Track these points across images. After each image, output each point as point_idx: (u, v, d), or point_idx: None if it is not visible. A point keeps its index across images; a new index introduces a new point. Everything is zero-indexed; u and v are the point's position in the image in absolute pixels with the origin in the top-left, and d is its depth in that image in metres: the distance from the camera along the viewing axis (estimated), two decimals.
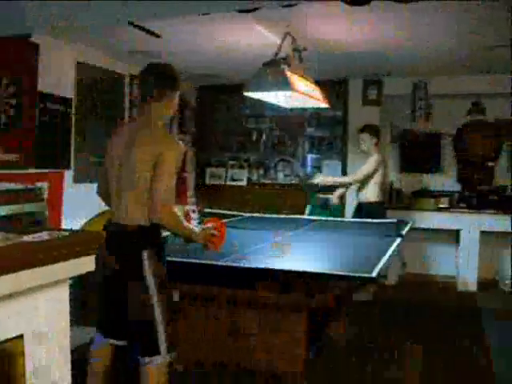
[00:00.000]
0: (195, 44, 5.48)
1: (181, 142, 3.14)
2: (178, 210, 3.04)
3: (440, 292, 6.97)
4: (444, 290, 6.54)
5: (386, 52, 5.77)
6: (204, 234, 3.30)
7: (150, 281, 2.97)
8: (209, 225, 3.40)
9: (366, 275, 3.14)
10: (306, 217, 5.99)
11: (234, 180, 8.15)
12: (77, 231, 2.18)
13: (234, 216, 5.69)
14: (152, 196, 2.94)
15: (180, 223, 3.08)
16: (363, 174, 6.28)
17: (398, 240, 4.44)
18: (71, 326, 1.99)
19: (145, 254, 2.97)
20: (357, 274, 3.20)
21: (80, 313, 4.75)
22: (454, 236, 7.37)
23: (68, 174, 5.56)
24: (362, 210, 6.32)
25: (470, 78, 6.97)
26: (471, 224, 7.02)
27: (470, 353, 4.73)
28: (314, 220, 5.75)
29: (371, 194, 6.30)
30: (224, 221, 3.82)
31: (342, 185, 6.52)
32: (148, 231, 3.02)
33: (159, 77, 3.20)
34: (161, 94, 3.16)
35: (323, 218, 5.94)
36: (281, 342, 3.49)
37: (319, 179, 6.42)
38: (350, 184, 6.50)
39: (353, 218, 6.40)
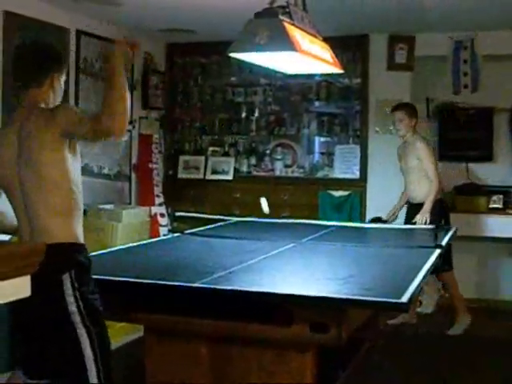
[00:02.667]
0: None
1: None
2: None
3: (497, 323, 6.93)
4: (503, 319, 6.49)
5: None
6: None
7: (74, 311, 3.07)
8: None
9: (393, 301, 3.11)
10: (315, 222, 5.97)
11: (216, 173, 8.13)
12: (5, 242, 2.15)
13: (216, 221, 5.67)
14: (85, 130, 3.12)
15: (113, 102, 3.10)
16: (435, 170, 6.34)
17: (437, 252, 4.42)
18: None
19: (65, 278, 3.08)
20: (382, 299, 3.17)
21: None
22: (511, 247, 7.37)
23: None
24: (416, 212, 6.33)
25: None
26: None
27: None
28: (326, 226, 5.73)
29: (426, 190, 6.35)
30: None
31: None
32: (68, 248, 3.14)
33: (37, 58, 3.39)
34: (41, 78, 3.35)
35: (337, 224, 5.92)
36: None
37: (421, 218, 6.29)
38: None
39: (405, 222, 6.46)
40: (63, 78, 3.44)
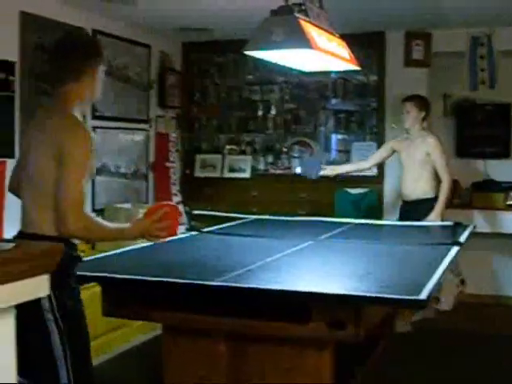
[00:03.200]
0: None
1: (87, 128, 3.28)
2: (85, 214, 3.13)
3: None
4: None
5: None
6: (142, 225, 3.39)
7: (49, 318, 3.02)
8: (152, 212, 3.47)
9: (412, 298, 3.11)
10: (332, 219, 5.97)
11: (233, 171, 8.14)
12: (25, 242, 2.17)
13: (233, 219, 5.68)
14: (58, 200, 3.01)
15: (97, 228, 3.18)
16: (445, 166, 6.30)
17: (455, 249, 4.41)
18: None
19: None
20: (400, 297, 3.17)
21: None
22: None
23: (11, 165, 5.54)
24: (413, 210, 6.32)
25: None
26: None
27: None
28: (342, 223, 5.73)
29: (427, 187, 6.35)
30: (171, 203, 3.86)
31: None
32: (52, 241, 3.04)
33: (76, 50, 3.30)
34: (80, 71, 3.27)
35: (355, 221, 5.92)
36: None
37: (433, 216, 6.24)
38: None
39: (400, 219, 6.42)
40: (102, 70, 3.36)
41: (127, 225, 3.40)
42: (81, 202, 3.02)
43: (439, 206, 6.19)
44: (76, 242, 3.18)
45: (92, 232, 3.13)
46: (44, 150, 3.09)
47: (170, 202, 3.97)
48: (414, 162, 6.39)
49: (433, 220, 6.09)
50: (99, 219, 3.24)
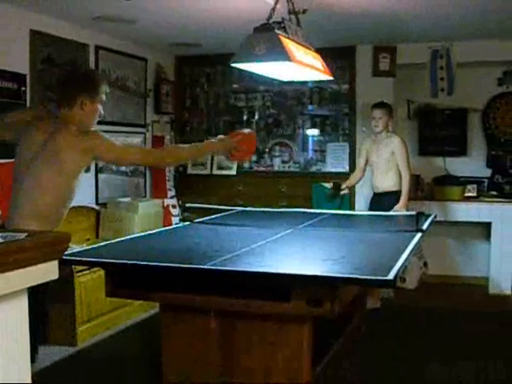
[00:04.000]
0: (173, 7, 5.47)
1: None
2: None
3: (468, 296, 7.02)
4: (473, 293, 6.57)
5: (400, 12, 5.77)
6: (227, 143, 3.87)
7: None
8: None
9: (381, 278, 3.13)
10: (308, 210, 5.98)
11: (221, 168, 8.15)
12: (36, 232, 2.18)
13: (222, 211, 5.68)
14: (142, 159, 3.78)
15: (185, 153, 3.88)
16: (407, 163, 6.36)
17: (418, 236, 4.44)
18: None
19: None
20: (370, 277, 3.20)
21: (39, 329, 4.78)
22: (484, 230, 7.39)
23: None
24: (381, 201, 6.40)
25: (501, 42, 6.99)
26: (504, 215, 7.04)
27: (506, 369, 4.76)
28: (318, 214, 5.75)
29: (393, 181, 6.41)
30: (250, 131, 4.29)
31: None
32: None
33: (68, 82, 3.58)
34: (70, 101, 3.52)
35: (330, 212, 5.94)
36: (281, 359, 3.50)
37: (398, 207, 6.25)
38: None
39: (371, 209, 6.46)
40: (97, 104, 3.56)
41: (213, 140, 3.90)
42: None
43: (403, 197, 6.24)
44: None
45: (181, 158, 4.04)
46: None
47: (249, 131, 4.29)
48: (382, 159, 6.43)
49: (399, 210, 6.13)
50: (179, 146, 3.79)
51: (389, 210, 6.08)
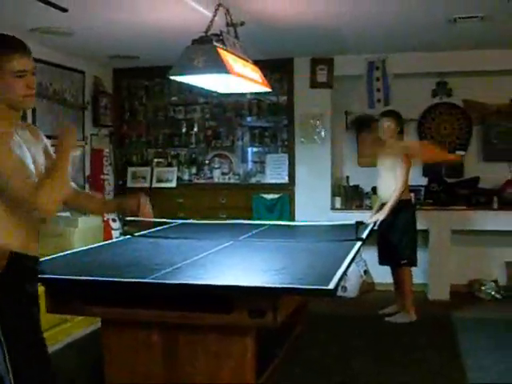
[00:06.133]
0: (110, 19, 5.43)
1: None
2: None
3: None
4: (413, 299, 6.61)
5: (337, 25, 5.85)
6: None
7: None
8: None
9: (322, 287, 3.15)
10: (250, 222, 5.99)
11: (161, 181, 8.11)
12: None
13: (163, 224, 5.64)
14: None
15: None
16: (403, 174, 6.20)
17: (358, 244, 4.49)
18: None
19: None
20: (311, 287, 3.22)
21: None
22: (422, 237, 7.50)
23: None
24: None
25: (434, 54, 7.15)
26: (440, 222, 7.17)
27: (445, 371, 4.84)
28: (260, 225, 5.76)
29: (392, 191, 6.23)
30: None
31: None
32: None
33: None
34: None
35: (270, 223, 5.95)
36: (225, 370, 3.49)
37: (375, 218, 6.17)
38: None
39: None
40: (14, 67, 2.76)
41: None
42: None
43: (386, 208, 6.15)
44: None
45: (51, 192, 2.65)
46: None
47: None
48: (383, 167, 6.35)
49: (376, 217, 6.13)
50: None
51: (394, 220, 6.11)
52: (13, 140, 2.74)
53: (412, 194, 6.65)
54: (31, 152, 2.84)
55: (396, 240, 6.21)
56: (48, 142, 3.07)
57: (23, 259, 2.85)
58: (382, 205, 6.35)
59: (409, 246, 6.25)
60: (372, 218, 6.16)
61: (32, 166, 2.79)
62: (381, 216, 6.15)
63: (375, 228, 5.95)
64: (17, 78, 2.76)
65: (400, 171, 6.17)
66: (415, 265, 6.38)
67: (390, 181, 6.24)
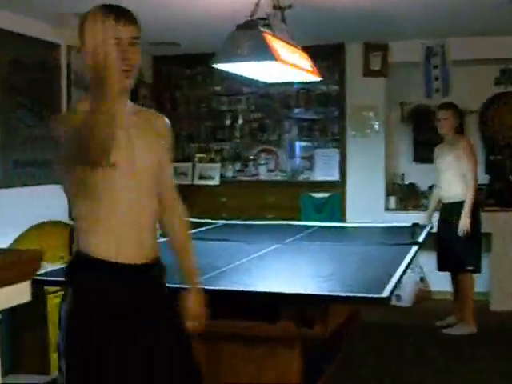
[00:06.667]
0: (149, 2, 5.42)
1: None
2: None
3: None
4: (475, 309, 6.51)
5: (392, 7, 5.76)
6: None
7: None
8: None
9: (375, 296, 3.11)
10: (298, 223, 5.95)
11: (203, 178, 8.10)
12: (5, 250, 2.13)
13: (204, 224, 5.64)
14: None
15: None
16: (474, 172, 6.13)
17: (414, 249, 4.42)
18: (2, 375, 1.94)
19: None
20: (363, 295, 3.17)
21: (12, 357, 4.70)
22: (484, 241, 7.36)
23: None
24: (450, 212, 6.19)
25: (498, 38, 7.00)
26: (504, 225, 7.01)
27: None
28: (308, 226, 5.72)
29: (461, 189, 6.13)
30: None
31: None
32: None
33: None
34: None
35: (319, 224, 5.91)
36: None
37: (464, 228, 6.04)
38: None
39: (441, 221, 6.31)
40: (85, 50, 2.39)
41: None
42: None
43: (465, 210, 6.03)
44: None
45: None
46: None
47: None
48: (446, 164, 6.25)
49: (462, 225, 6.00)
50: None
51: (458, 222, 6.00)
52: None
53: None
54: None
55: (459, 244, 6.07)
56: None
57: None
58: (444, 205, 6.26)
59: (474, 251, 6.13)
60: (460, 229, 6.00)
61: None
62: (467, 223, 6.00)
63: (433, 231, 5.86)
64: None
65: (468, 166, 6.09)
66: (479, 271, 6.26)
67: (453, 178, 6.15)
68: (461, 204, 6.09)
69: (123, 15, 2.55)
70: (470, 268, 6.15)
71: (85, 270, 2.49)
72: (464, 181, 6.11)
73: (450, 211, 6.19)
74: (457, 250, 6.11)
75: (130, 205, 2.47)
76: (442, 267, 6.35)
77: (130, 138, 2.52)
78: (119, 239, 2.45)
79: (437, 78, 7.31)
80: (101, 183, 2.39)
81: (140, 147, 2.54)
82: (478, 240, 6.20)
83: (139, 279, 2.52)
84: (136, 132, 2.58)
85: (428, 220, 6.39)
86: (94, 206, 2.45)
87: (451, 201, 6.20)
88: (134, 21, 2.62)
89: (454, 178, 6.17)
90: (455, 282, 6.37)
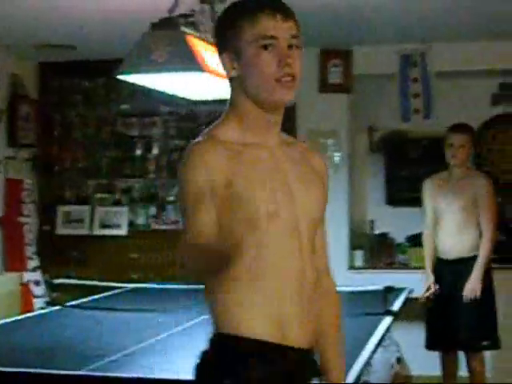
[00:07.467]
0: None
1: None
2: None
3: None
4: None
5: (357, 2, 5.89)
6: None
7: None
8: None
9: None
10: None
11: (105, 227, 8.08)
12: None
13: (107, 289, 5.63)
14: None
15: None
16: (492, 218, 6.16)
17: (388, 320, 4.47)
18: None
19: None
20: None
21: None
22: None
23: None
24: (455, 271, 6.18)
25: (493, 44, 7.19)
26: (510, 286, 7.08)
27: None
28: None
29: (474, 241, 6.14)
30: None
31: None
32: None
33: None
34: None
35: None
36: None
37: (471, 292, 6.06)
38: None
39: (439, 284, 6.25)
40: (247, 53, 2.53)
41: None
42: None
43: (478, 271, 6.02)
44: None
45: None
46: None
47: None
48: (457, 207, 6.18)
49: (471, 288, 5.99)
50: None
51: (461, 281, 6.01)
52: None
53: None
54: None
55: (469, 312, 6.08)
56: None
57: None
58: (445, 262, 6.24)
59: (489, 320, 6.16)
60: (467, 293, 6.02)
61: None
62: (477, 286, 6.00)
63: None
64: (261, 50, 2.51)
65: (488, 214, 6.11)
66: (499, 346, 6.25)
67: (464, 226, 6.14)
68: (472, 260, 6.10)
69: (281, 8, 2.64)
70: (486, 344, 6.17)
71: None
72: (477, 230, 6.13)
73: (455, 270, 6.16)
74: (465, 320, 6.12)
75: None
76: (434, 345, 6.34)
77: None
78: None
79: (416, 95, 7.42)
80: None
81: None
82: (493, 305, 6.20)
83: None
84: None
85: (430, 279, 6.28)
86: None
87: (459, 256, 6.15)
88: (293, 15, 2.69)
89: (466, 225, 6.14)
90: (445, 362, 6.41)
